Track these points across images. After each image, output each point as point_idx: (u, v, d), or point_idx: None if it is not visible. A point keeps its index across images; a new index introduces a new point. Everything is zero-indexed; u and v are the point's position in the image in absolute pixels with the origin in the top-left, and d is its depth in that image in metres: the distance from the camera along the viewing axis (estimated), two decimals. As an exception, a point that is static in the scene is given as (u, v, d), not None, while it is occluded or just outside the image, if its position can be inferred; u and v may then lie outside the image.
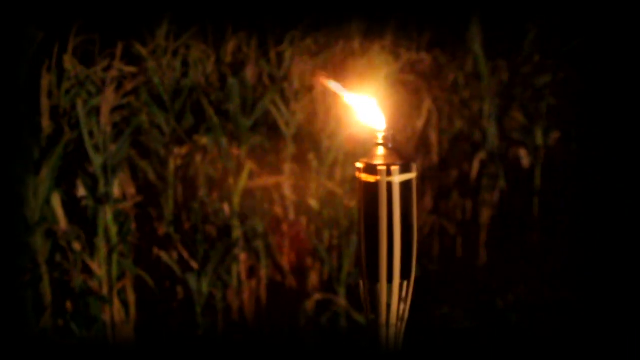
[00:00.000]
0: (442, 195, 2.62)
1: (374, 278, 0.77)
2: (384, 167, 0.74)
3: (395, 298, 0.77)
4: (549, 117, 2.65)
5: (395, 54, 2.53)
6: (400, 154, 0.76)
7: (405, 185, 0.75)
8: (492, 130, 2.58)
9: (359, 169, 0.76)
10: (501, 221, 2.65)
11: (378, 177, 0.74)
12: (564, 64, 2.62)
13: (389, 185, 0.74)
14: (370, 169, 0.75)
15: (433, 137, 2.61)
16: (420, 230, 2.58)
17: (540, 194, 2.68)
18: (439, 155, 2.62)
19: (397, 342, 0.80)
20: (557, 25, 2.61)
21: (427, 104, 2.58)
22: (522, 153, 2.67)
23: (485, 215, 2.61)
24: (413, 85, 2.59)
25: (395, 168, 0.74)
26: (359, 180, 0.76)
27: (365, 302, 0.79)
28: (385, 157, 0.75)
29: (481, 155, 2.59)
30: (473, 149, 2.61)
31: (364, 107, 0.78)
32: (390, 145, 0.76)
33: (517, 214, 2.68)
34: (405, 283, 0.78)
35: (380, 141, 0.76)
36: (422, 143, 2.61)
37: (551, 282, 2.44)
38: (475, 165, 2.59)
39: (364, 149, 2.36)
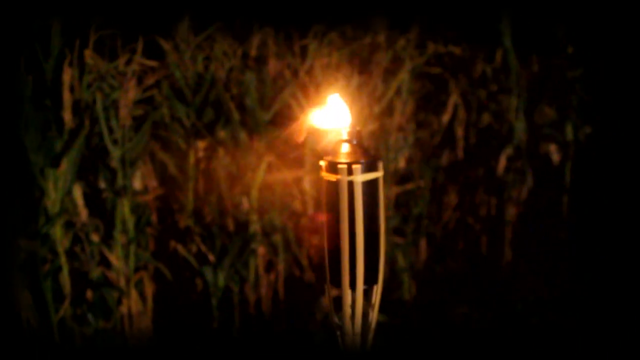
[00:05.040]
0: (467, 192, 2.53)
1: (336, 283, 0.71)
2: (345, 166, 0.68)
3: (359, 304, 0.72)
4: (581, 111, 2.52)
5: (421, 47, 2.45)
6: (366, 152, 0.70)
7: (370, 185, 0.70)
8: (520, 125, 2.47)
9: (321, 167, 0.71)
10: (528, 219, 2.54)
11: (339, 176, 0.69)
12: (597, 56, 2.48)
13: (350, 184, 0.68)
14: (332, 167, 0.69)
15: (459, 131, 2.52)
16: (444, 226, 2.49)
17: (570, 192, 2.56)
18: (464, 150, 2.53)
19: (363, 351, 0.75)
20: (590, 16, 2.48)
21: (454, 97, 2.49)
22: (552, 149, 2.55)
23: (512, 212, 2.51)
24: (439, 79, 2.51)
25: (357, 167, 0.68)
26: (321, 179, 0.71)
27: (329, 308, 0.74)
28: (349, 154, 0.69)
29: (508, 151, 2.48)
30: (500, 144, 2.51)
31: (329, 105, 0.73)
32: (355, 142, 0.70)
33: (545, 212, 2.56)
34: (371, 289, 0.72)
35: (345, 137, 0.71)
36: (448, 137, 2.52)
37: (579, 282, 2.33)
38: (502, 160, 2.49)
39: (391, 144, 2.30)
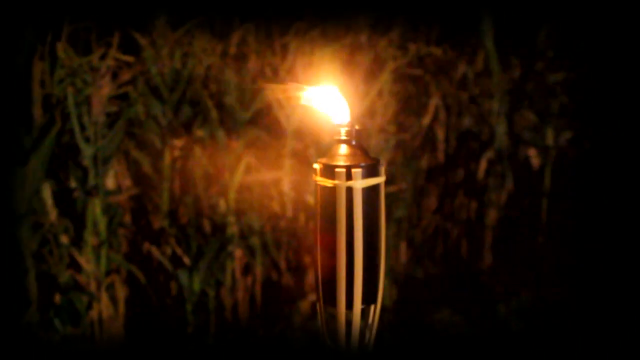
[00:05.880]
0: (447, 195, 2.45)
1: (330, 302, 0.61)
2: (343, 170, 0.58)
3: (357, 326, 0.62)
4: (561, 116, 2.46)
5: (403, 48, 2.36)
6: (367, 154, 0.61)
7: (370, 192, 0.60)
8: (501, 128, 2.40)
9: (315, 171, 0.61)
10: (508, 223, 2.47)
11: (336, 181, 0.59)
12: (578, 61, 2.42)
13: (349, 191, 0.58)
14: (328, 171, 0.59)
15: (440, 134, 2.44)
16: (424, 230, 2.41)
17: (549, 196, 2.49)
18: (445, 153, 2.45)
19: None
20: (572, 21, 2.42)
21: (435, 99, 2.41)
22: (532, 153, 2.49)
23: (492, 216, 2.43)
24: (421, 80, 2.42)
25: (357, 171, 0.59)
26: (315, 184, 0.61)
27: (322, 328, 0.64)
28: (348, 156, 0.60)
29: (489, 154, 2.41)
30: (481, 148, 2.43)
31: (325, 99, 0.63)
32: (354, 143, 0.60)
33: (524, 216, 2.50)
34: (369, 309, 0.63)
35: (343, 137, 0.61)
36: (429, 140, 2.44)
37: (557, 287, 2.27)
38: (483, 164, 2.41)
39: (372, 146, 2.20)
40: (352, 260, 0.60)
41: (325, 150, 2.11)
